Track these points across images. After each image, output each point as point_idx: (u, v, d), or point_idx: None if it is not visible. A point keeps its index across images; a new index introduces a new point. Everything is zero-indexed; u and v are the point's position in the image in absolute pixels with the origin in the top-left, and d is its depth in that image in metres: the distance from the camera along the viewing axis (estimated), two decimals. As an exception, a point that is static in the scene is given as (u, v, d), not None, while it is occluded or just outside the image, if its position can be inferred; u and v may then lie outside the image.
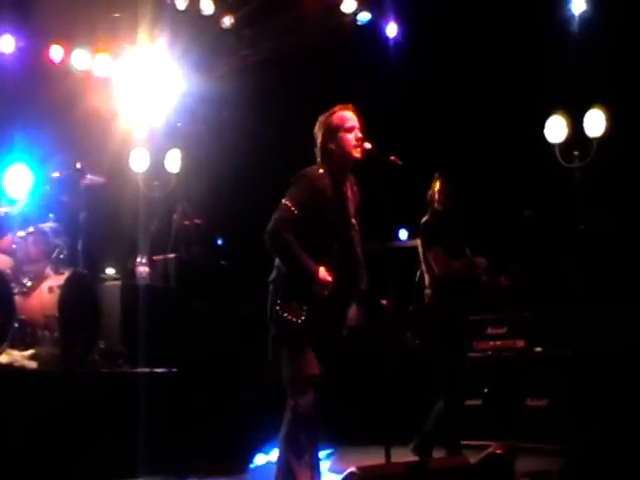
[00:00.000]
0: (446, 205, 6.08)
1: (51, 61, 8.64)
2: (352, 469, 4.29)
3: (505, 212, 8.38)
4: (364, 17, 9.55)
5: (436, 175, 6.18)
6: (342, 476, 4.34)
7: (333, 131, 4.55)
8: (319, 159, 4.60)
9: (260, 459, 6.35)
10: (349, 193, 4.63)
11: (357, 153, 4.52)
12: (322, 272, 4.36)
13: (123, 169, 8.77)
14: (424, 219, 6.13)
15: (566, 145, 7.95)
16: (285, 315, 4.39)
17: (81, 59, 8.84)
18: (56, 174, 7.38)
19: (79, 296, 6.80)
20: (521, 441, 6.44)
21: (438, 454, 5.82)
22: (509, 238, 8.41)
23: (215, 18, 9.37)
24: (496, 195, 8.73)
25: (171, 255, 8.64)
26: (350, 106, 4.63)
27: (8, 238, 6.90)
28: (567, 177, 7.82)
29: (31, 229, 6.95)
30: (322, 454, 4.88)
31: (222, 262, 8.96)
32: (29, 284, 6.78)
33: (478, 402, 7.81)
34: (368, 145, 4.53)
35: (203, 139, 9.56)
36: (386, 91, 8.69)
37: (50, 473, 5.74)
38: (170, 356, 7.09)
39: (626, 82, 8.03)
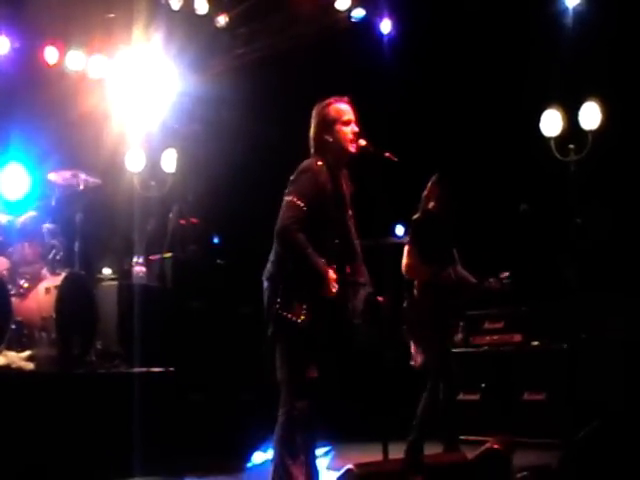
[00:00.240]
0: (438, 206, 6.11)
1: (46, 63, 8.64)
2: (350, 466, 4.30)
3: (501, 206, 8.38)
4: (358, 14, 9.53)
5: (434, 177, 6.19)
6: (340, 473, 4.34)
7: (329, 123, 4.45)
8: (313, 150, 4.50)
9: (258, 457, 6.37)
10: (344, 186, 4.54)
11: (353, 148, 4.44)
12: (331, 273, 4.28)
13: (119, 169, 8.78)
14: (414, 217, 6.17)
15: (562, 138, 7.92)
16: (285, 314, 4.26)
17: (76, 60, 8.86)
18: (53, 176, 7.38)
19: (76, 297, 6.78)
20: (519, 435, 6.47)
21: (436, 449, 5.81)
22: (504, 233, 8.42)
23: (210, 17, 9.37)
24: (492, 189, 8.72)
25: (167, 254, 8.64)
26: (346, 98, 4.54)
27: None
28: (563, 170, 7.80)
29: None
30: (320, 451, 4.88)
31: (219, 261, 8.94)
32: (26, 285, 6.77)
33: (476, 397, 7.83)
34: (363, 142, 4.46)
35: (199, 138, 9.56)
36: (380, 87, 8.68)
37: (48, 473, 5.73)
38: (167, 356, 7.07)
39: (621, 75, 8.01)
